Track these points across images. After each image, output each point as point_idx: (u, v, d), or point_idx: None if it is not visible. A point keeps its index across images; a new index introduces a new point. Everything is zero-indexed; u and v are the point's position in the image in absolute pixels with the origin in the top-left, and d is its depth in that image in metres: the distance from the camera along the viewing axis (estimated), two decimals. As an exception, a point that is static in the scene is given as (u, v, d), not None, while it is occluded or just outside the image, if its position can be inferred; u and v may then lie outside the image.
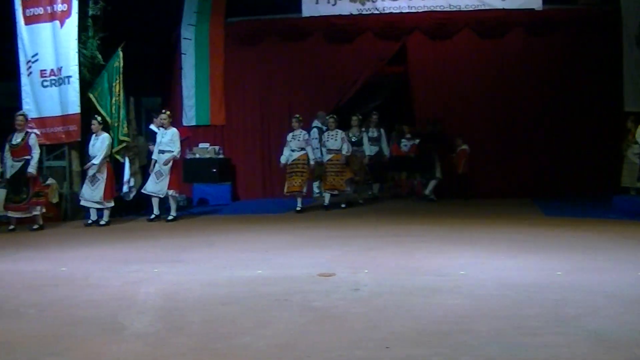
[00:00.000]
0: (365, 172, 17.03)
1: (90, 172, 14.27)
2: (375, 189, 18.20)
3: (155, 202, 14.74)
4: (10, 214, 13.74)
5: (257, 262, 9.34)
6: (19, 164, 13.63)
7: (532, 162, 18.29)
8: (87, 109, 15.35)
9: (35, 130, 14.83)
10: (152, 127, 15.91)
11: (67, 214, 15.38)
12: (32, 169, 13.67)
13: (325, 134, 16.48)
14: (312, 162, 15.90)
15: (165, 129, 14.72)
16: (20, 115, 13.92)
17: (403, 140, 18.17)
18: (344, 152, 15.99)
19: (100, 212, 14.46)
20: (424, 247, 10.35)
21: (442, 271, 8.35)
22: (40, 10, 15.23)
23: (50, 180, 14.87)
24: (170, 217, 14.63)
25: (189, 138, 18.15)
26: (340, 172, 16.03)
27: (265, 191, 19.14)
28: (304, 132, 16.09)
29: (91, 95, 15.50)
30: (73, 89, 15.03)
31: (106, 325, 6.22)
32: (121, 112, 15.11)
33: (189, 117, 19.48)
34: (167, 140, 14.58)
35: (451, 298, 6.94)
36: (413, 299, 6.92)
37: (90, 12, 15.66)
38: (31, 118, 15.09)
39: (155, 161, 14.62)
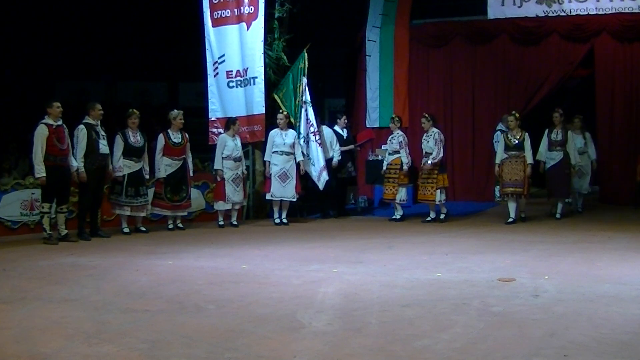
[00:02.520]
0: (529, 184, 14.38)
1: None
2: (558, 208, 14.94)
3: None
4: (164, 212, 13.74)
5: (437, 265, 9.24)
6: (178, 163, 13.60)
7: None
8: (272, 109, 15.57)
9: (214, 130, 15.16)
10: (337, 128, 15.98)
11: (249, 212, 15.57)
12: (191, 171, 13.92)
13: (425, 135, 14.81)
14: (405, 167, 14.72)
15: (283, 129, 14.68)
16: (177, 113, 13.82)
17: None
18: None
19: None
20: (606, 254, 10.01)
21: (624, 279, 8.05)
22: (227, 13, 15.52)
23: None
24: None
25: (372, 140, 18.18)
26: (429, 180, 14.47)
27: (448, 194, 18.77)
28: (401, 133, 15.14)
29: (276, 96, 15.73)
30: (258, 90, 15.22)
31: (285, 323, 6.24)
32: (305, 112, 15.25)
33: (373, 119, 19.56)
34: (291, 143, 14.55)
35: (633, 307, 6.68)
36: (593, 307, 6.70)
37: (276, 14, 15.90)
38: (217, 118, 15.50)
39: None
